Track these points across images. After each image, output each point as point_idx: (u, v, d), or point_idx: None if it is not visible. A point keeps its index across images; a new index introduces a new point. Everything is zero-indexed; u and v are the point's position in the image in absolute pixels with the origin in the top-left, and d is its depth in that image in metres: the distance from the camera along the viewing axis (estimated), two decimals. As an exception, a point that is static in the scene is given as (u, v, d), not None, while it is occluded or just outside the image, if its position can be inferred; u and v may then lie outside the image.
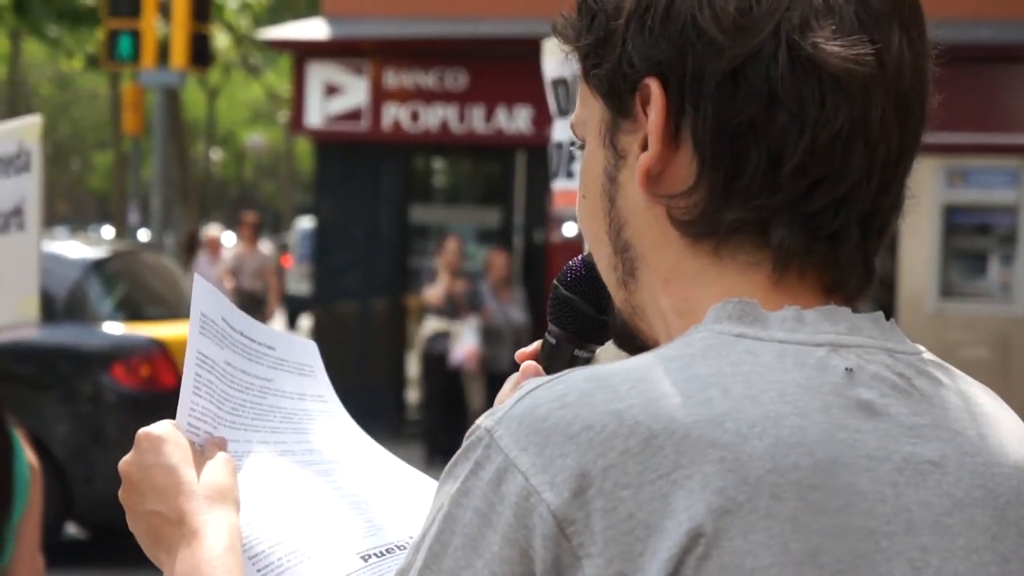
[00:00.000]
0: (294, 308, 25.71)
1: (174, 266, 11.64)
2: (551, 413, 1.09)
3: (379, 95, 14.55)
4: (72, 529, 9.74)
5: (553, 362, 1.40)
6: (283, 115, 40.89)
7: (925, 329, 12.37)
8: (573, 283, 1.40)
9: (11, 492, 3.46)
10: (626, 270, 1.25)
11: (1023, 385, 12.17)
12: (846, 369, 1.15)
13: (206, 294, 1.51)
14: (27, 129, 4.13)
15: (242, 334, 1.55)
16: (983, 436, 1.19)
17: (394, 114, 14.57)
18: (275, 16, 31.88)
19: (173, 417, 1.46)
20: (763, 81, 1.15)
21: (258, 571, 1.41)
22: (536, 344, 1.44)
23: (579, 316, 1.39)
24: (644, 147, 1.20)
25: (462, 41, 14.24)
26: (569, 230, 14.08)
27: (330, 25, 14.72)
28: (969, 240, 13.18)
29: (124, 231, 28.15)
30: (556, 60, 3.61)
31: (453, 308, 12.96)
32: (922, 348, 1.23)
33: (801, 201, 1.17)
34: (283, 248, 32.14)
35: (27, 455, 3.52)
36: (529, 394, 1.11)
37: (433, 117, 14.48)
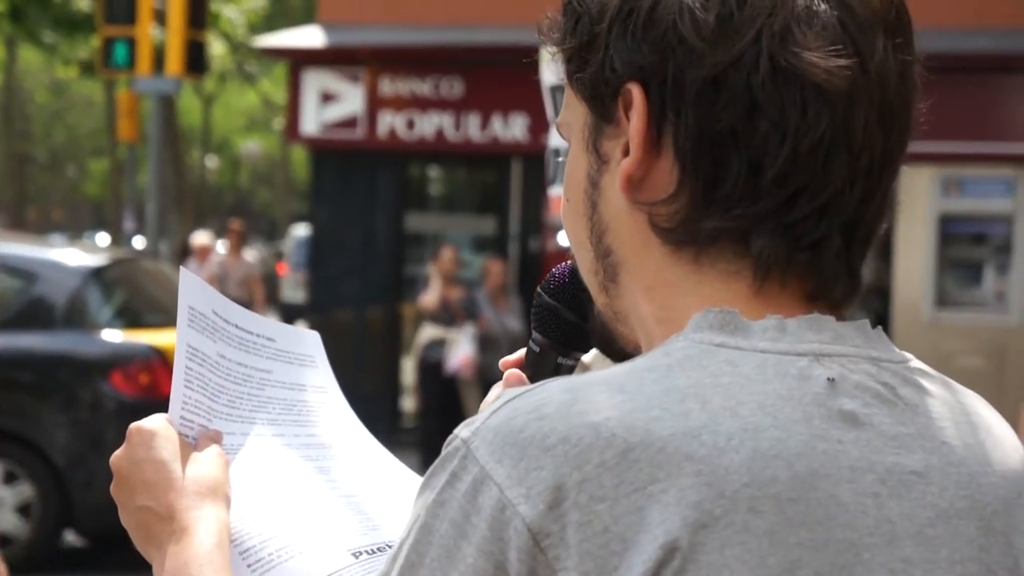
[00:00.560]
0: (290, 316, 25.69)
1: (173, 273, 11.63)
2: (528, 424, 1.08)
3: (375, 103, 14.55)
4: (71, 537, 9.73)
5: (537, 370, 1.40)
6: (279, 122, 40.89)
7: (920, 338, 12.38)
8: (557, 290, 1.39)
9: None
10: (607, 275, 1.24)
11: (1018, 394, 12.17)
12: (828, 379, 1.13)
13: (194, 287, 1.50)
14: None
15: (237, 326, 1.54)
16: (969, 446, 1.18)
17: (390, 122, 14.57)
18: (271, 24, 31.89)
19: None
20: (744, 89, 1.14)
21: (248, 566, 1.40)
22: (520, 352, 1.43)
23: (563, 324, 1.38)
24: (626, 152, 1.19)
25: (458, 49, 14.25)
26: (564, 239, 14.08)
27: (326, 33, 14.73)
28: (964, 249, 13.19)
29: (119, 238, 28.13)
30: (554, 67, 3.61)
31: (449, 316, 12.95)
32: (910, 356, 1.22)
33: (783, 210, 1.15)
34: (278, 256, 32.13)
35: None
36: (506, 404, 1.10)
37: (429, 125, 14.48)
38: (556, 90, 3.67)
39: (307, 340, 1.64)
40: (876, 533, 1.11)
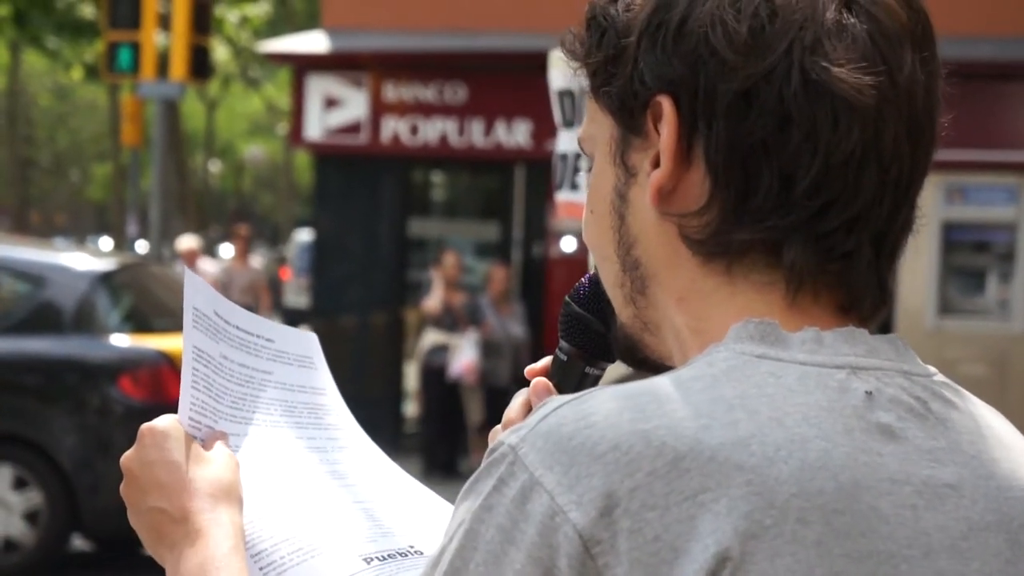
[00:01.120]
0: (292, 321, 25.71)
1: (182, 278, 11.60)
2: (577, 432, 1.09)
3: (378, 108, 14.56)
4: (79, 541, 9.73)
5: (564, 379, 1.40)
6: (282, 127, 40.92)
7: (923, 346, 12.37)
8: (585, 300, 1.39)
9: None
10: (635, 288, 1.24)
11: (1020, 402, 12.17)
12: (866, 392, 1.15)
13: (197, 288, 1.50)
14: None
15: (238, 327, 1.54)
16: (995, 460, 1.19)
17: (393, 127, 14.58)
18: (275, 29, 31.91)
19: None
20: (776, 101, 1.15)
21: (261, 569, 1.40)
22: (545, 360, 1.43)
23: (591, 333, 1.39)
24: (655, 164, 1.20)
25: (462, 55, 14.26)
26: (568, 245, 14.09)
27: (330, 38, 14.74)
28: (967, 257, 13.19)
29: (122, 242, 28.14)
30: (562, 72, 3.60)
31: (452, 321, 12.96)
32: (934, 370, 1.23)
33: (814, 221, 1.16)
34: (281, 261, 32.13)
35: None
36: (555, 412, 1.11)
37: (432, 130, 14.49)
38: (564, 95, 3.67)
39: (305, 341, 1.63)
40: (914, 545, 1.12)
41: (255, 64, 37.47)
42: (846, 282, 1.19)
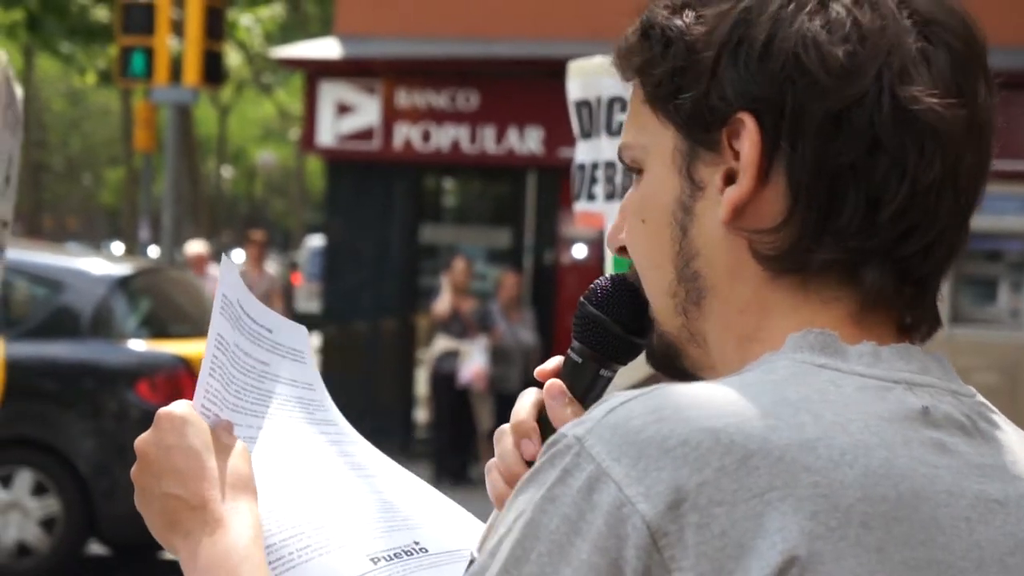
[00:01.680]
0: (304, 326, 25.70)
1: (199, 283, 11.64)
2: (647, 426, 1.10)
3: (391, 114, 14.58)
4: (94, 546, 9.73)
5: (576, 380, 1.39)
6: (294, 133, 40.96)
7: (934, 354, 12.32)
8: (602, 302, 1.39)
9: None
10: (690, 298, 1.25)
11: (1032, 411, 12.15)
12: (923, 407, 1.17)
13: (231, 276, 1.51)
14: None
15: (248, 315, 1.55)
16: None
17: (405, 134, 14.60)
18: (288, 35, 31.95)
19: None
20: (867, 125, 1.17)
21: (270, 563, 1.40)
22: (555, 361, 1.42)
23: (607, 335, 1.39)
24: (727, 180, 1.21)
25: (474, 62, 14.27)
26: (579, 252, 14.09)
27: (342, 44, 14.76)
28: (979, 266, 13.17)
29: (134, 247, 28.19)
30: (580, 82, 3.59)
31: (461, 327, 12.96)
32: (975, 391, 1.26)
33: (895, 245, 1.19)
34: (293, 266, 32.17)
35: None
36: (623, 405, 1.12)
37: (444, 137, 14.51)
38: (581, 105, 3.65)
39: (297, 335, 1.63)
40: (968, 557, 1.14)
41: (268, 70, 37.51)
42: (917, 304, 1.22)
